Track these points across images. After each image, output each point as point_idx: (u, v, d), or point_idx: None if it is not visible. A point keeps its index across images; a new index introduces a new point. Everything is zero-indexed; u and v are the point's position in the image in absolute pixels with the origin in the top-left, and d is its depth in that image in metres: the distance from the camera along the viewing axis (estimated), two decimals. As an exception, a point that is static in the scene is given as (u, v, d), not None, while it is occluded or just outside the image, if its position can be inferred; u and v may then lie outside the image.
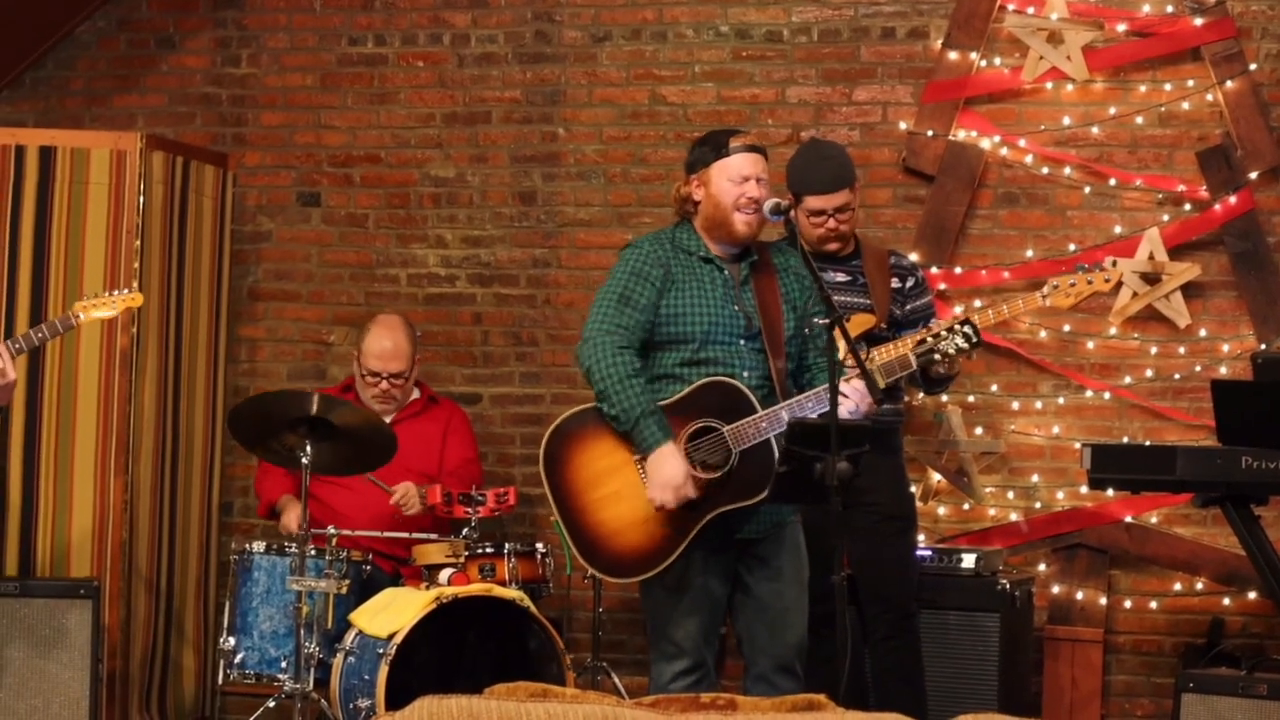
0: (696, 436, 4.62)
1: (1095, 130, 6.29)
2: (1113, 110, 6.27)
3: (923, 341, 4.82)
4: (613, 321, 4.69)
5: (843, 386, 4.48)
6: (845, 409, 4.44)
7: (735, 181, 4.69)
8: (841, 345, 4.36)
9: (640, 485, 4.61)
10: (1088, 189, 6.30)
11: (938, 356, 4.78)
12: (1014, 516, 6.28)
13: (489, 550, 5.62)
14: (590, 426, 4.69)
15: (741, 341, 4.70)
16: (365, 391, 6.12)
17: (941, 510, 6.32)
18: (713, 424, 4.62)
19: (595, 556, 4.66)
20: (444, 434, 6.23)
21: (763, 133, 6.42)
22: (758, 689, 4.68)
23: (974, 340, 4.77)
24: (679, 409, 4.64)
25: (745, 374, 4.67)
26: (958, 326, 4.77)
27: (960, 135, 6.36)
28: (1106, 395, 6.25)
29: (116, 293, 5.49)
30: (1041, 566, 6.25)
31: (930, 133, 6.36)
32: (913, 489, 5.79)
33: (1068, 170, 6.31)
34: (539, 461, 4.70)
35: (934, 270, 6.25)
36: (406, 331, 6.19)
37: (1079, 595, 6.19)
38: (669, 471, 4.55)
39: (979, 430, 6.32)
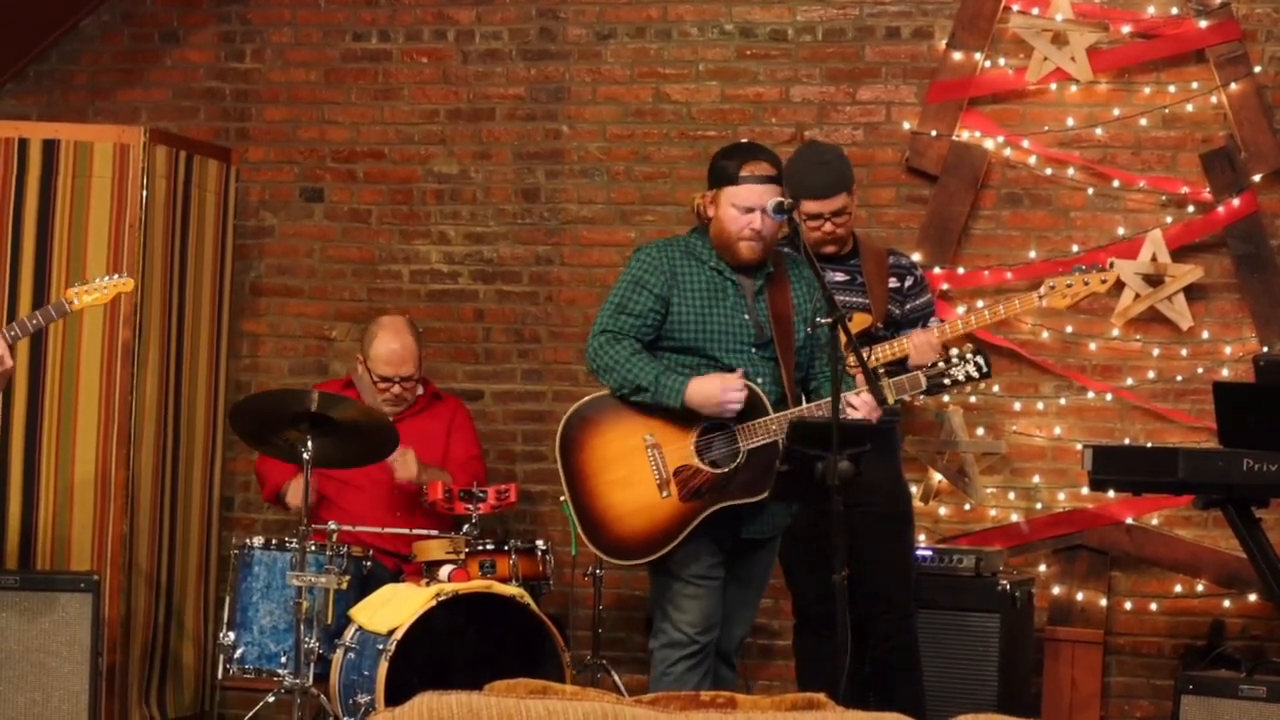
0: (707, 431, 4.74)
1: (1099, 131, 6.29)
2: (1116, 112, 6.27)
3: (935, 365, 4.90)
4: (606, 325, 4.83)
5: (852, 399, 4.62)
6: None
7: (740, 211, 4.76)
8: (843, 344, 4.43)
9: (649, 472, 4.73)
10: (1091, 190, 6.30)
11: (947, 382, 4.85)
12: (1015, 517, 6.28)
13: (490, 547, 5.62)
14: (607, 412, 4.82)
15: (753, 349, 4.80)
16: (375, 396, 6.11)
17: (942, 511, 6.32)
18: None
19: (599, 537, 4.80)
20: (448, 431, 6.24)
21: (766, 131, 6.43)
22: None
23: (984, 372, 4.86)
24: None
25: (758, 380, 4.77)
26: (970, 356, 4.85)
27: (964, 135, 6.36)
28: (1108, 397, 6.24)
29: (107, 278, 5.49)
30: (1042, 567, 6.25)
31: (934, 133, 6.36)
32: (911, 488, 5.80)
33: (1071, 171, 6.31)
34: (555, 443, 4.82)
35: (936, 270, 6.25)
36: (412, 332, 6.19)
37: (1079, 596, 6.19)
38: (710, 386, 4.68)
39: (980, 431, 6.32)
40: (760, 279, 4.86)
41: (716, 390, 4.67)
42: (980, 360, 4.86)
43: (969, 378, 4.86)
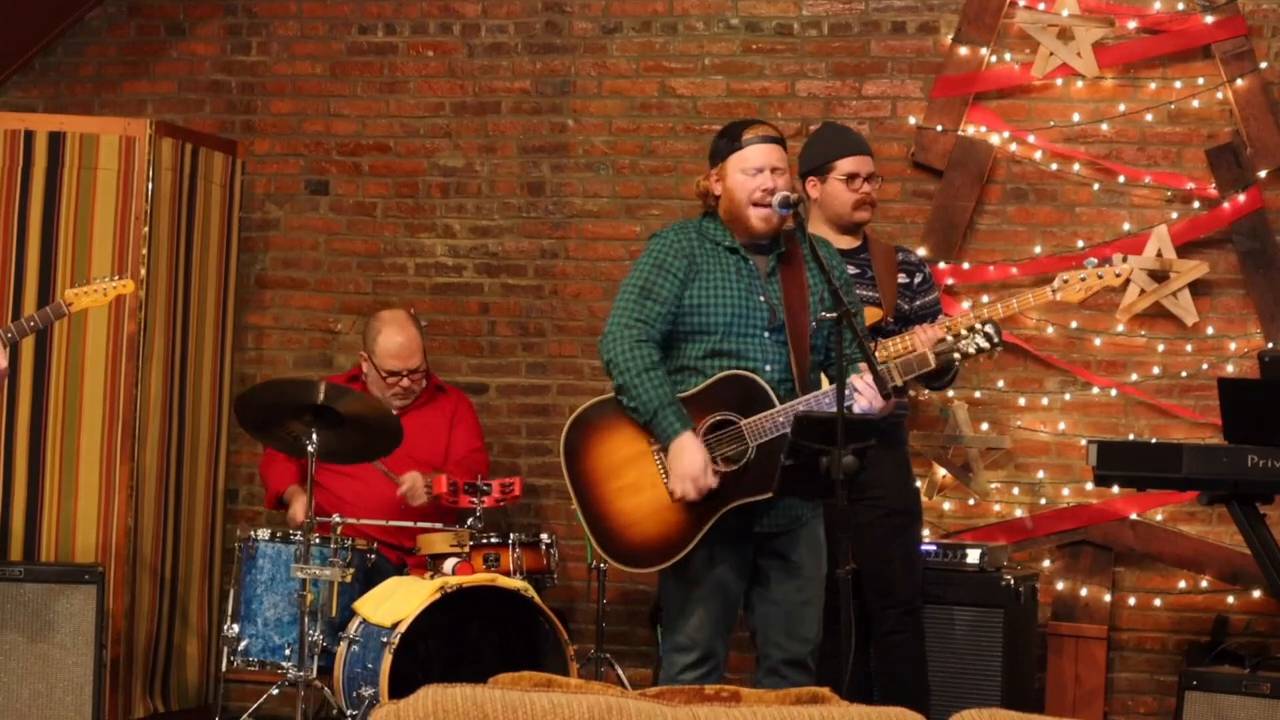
0: (714, 429, 4.61)
1: (1105, 127, 6.28)
2: (1122, 107, 6.26)
3: (943, 341, 4.78)
4: (633, 315, 4.66)
5: (856, 382, 4.46)
6: (858, 406, 4.43)
7: (749, 174, 4.65)
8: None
9: (658, 476, 4.61)
10: (1096, 186, 6.29)
11: (957, 357, 4.70)
12: (1019, 512, 6.28)
13: (493, 540, 5.63)
14: (610, 416, 4.68)
15: (765, 334, 4.66)
16: (384, 391, 6.11)
17: (947, 505, 6.32)
18: (730, 417, 4.61)
19: (612, 546, 4.66)
20: (451, 423, 6.24)
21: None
22: (769, 682, 4.68)
23: (995, 341, 4.68)
24: (696, 401, 4.63)
25: (767, 367, 4.64)
26: (979, 327, 4.69)
27: (970, 131, 6.35)
28: (1113, 392, 6.24)
29: (107, 280, 5.50)
30: (1046, 563, 6.25)
31: (939, 128, 6.36)
32: (918, 483, 5.79)
33: (1077, 167, 6.30)
34: (559, 450, 4.70)
35: (942, 265, 6.24)
36: (415, 324, 6.20)
37: (1083, 592, 6.18)
38: (688, 461, 4.53)
39: (985, 426, 6.31)
40: (772, 259, 4.73)
41: (696, 470, 4.52)
42: (990, 330, 4.65)
43: (980, 349, 4.66)
